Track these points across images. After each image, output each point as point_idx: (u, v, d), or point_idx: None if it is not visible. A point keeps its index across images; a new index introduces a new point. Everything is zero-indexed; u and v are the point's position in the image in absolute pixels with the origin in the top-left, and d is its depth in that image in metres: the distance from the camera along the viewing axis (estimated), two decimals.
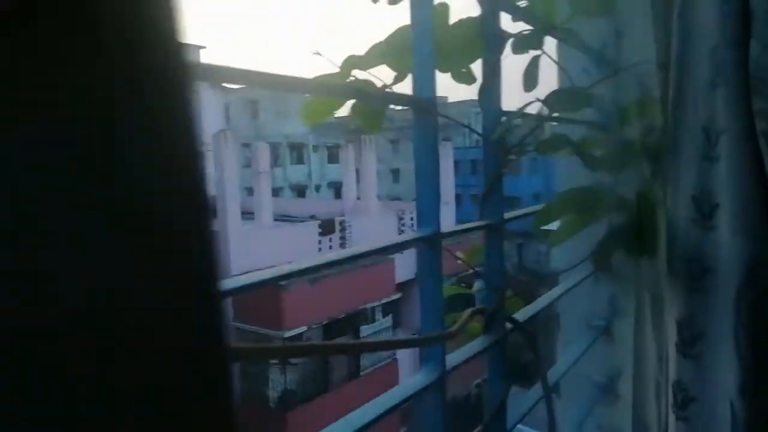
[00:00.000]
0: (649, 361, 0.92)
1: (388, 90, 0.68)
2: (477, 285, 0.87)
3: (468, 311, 0.73)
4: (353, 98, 0.69)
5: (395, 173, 30.01)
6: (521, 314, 0.80)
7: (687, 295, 0.63)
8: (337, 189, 25.77)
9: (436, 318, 0.59)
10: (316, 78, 0.65)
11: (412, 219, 13.11)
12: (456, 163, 15.52)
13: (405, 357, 12.14)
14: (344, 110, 0.77)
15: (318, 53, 0.67)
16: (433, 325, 0.59)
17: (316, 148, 28.04)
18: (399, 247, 0.63)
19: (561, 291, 0.94)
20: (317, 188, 27.78)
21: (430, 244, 0.58)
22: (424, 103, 0.58)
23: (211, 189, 13.13)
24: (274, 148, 21.95)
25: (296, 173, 26.96)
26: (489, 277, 0.72)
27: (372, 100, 0.71)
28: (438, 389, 0.59)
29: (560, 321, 1.26)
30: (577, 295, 1.18)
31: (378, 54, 0.71)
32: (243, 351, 0.52)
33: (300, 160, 27.50)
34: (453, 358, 0.64)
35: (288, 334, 9.67)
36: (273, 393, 9.76)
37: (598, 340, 1.14)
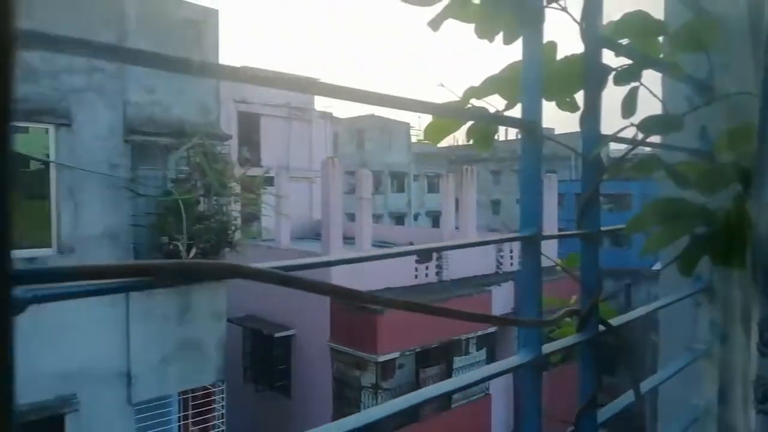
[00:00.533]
0: (747, 385, 0.95)
1: (500, 114, 0.81)
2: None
3: (564, 309, 0.82)
4: (473, 120, 0.82)
5: (495, 204, 29.67)
6: (615, 320, 0.88)
7: (766, 299, 0.68)
8: (435, 218, 25.97)
9: (534, 307, 0.70)
10: (443, 103, 0.79)
11: (512, 253, 12.89)
12: (561, 196, 15.17)
13: (498, 393, 11.85)
14: (458, 134, 0.90)
15: (442, 85, 0.81)
16: (530, 314, 0.70)
17: (416, 177, 28.49)
18: (505, 241, 0.74)
19: (658, 305, 0.99)
20: (416, 216, 28.11)
21: (531, 242, 0.69)
22: (531, 124, 0.70)
23: (318, 213, 13.68)
24: (377, 176, 22.69)
25: (396, 201, 27.51)
26: (584, 282, 0.81)
27: (487, 121, 0.83)
28: (535, 369, 0.69)
29: (660, 342, 1.29)
30: (677, 317, 1.21)
31: (492, 85, 0.84)
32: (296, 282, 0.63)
33: (400, 189, 28.06)
34: (548, 347, 0.73)
35: (381, 358, 9.83)
36: None
37: (696, 363, 1.17)
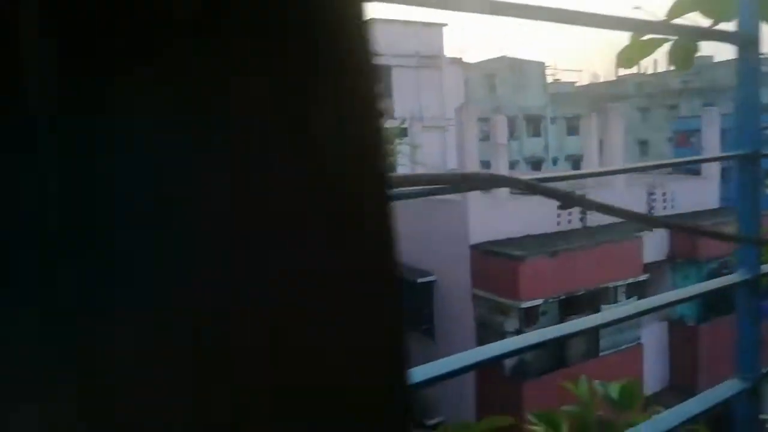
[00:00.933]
0: None
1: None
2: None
3: None
4: (681, 35, 0.80)
5: (643, 144, 27.42)
6: None
7: None
8: (575, 162, 24.64)
9: (753, 226, 0.69)
10: (649, 20, 0.78)
11: (664, 195, 11.89)
12: (723, 132, 13.61)
13: (652, 344, 11.29)
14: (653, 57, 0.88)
15: (638, 8, 0.80)
16: (749, 232, 0.69)
17: (553, 119, 27.12)
18: (718, 159, 0.73)
19: None
20: (554, 161, 26.92)
21: (749, 161, 0.67)
22: (749, 37, 0.67)
23: (453, 162, 13.68)
24: (511, 120, 21.91)
25: (533, 146, 26.50)
26: None
27: (697, 37, 0.81)
28: (751, 287, 0.69)
29: None
30: None
31: (694, 2, 0.81)
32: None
33: (536, 133, 26.92)
34: (765, 267, 0.72)
35: (524, 305, 9.77)
36: (509, 361, 10.01)
37: None
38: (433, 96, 18.48)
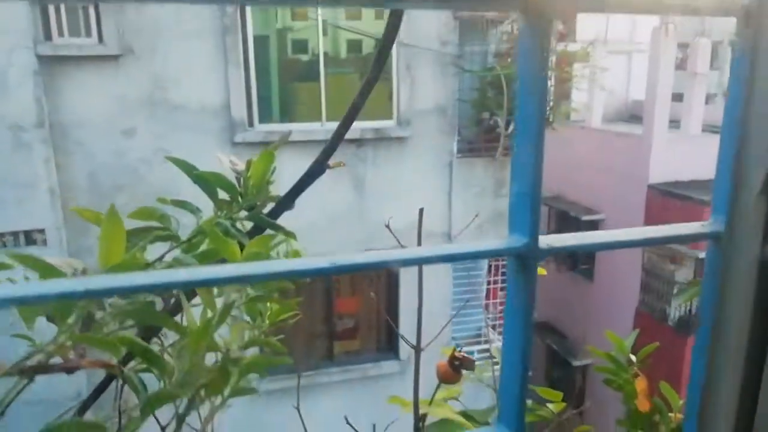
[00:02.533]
0: None
1: None
2: None
3: None
4: None
5: None
6: None
7: None
8: None
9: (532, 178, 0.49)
10: None
11: None
12: None
13: None
14: None
15: None
16: (525, 184, 0.49)
17: None
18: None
19: None
20: None
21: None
22: None
23: (636, 91, 12.37)
24: (714, 47, 19.03)
25: None
26: None
27: None
28: (523, 262, 0.50)
29: None
30: None
31: None
32: None
33: None
34: None
35: (702, 254, 8.89)
36: (675, 313, 9.32)
37: None
38: (622, 16, 16.62)
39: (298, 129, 6.09)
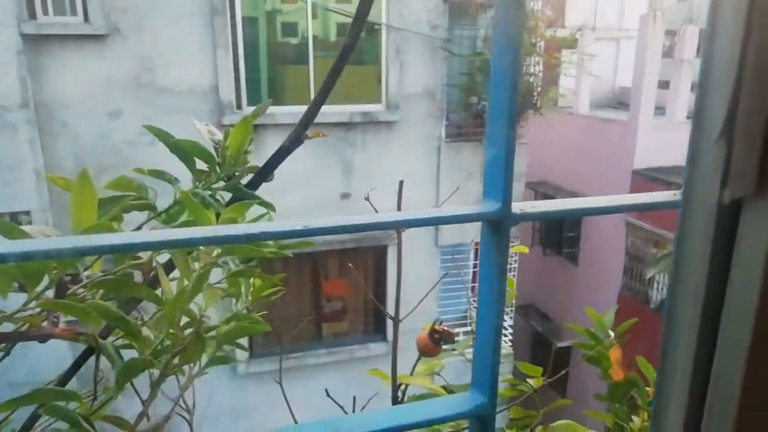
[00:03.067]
0: None
1: None
2: None
3: None
4: None
5: None
6: None
7: None
8: None
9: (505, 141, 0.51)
10: None
11: None
12: None
13: None
14: None
15: None
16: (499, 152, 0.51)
17: None
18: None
19: None
20: None
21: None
22: None
23: (623, 78, 12.42)
24: (702, 34, 19.07)
25: None
26: None
27: None
28: (495, 230, 0.53)
29: None
30: None
31: None
32: None
33: None
34: None
35: None
36: (657, 296, 9.49)
37: None
38: (611, 2, 16.64)
39: (287, 112, 6.08)
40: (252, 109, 5.45)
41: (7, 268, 0.71)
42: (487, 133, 0.50)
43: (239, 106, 6.09)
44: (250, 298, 1.06)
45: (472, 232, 7.51)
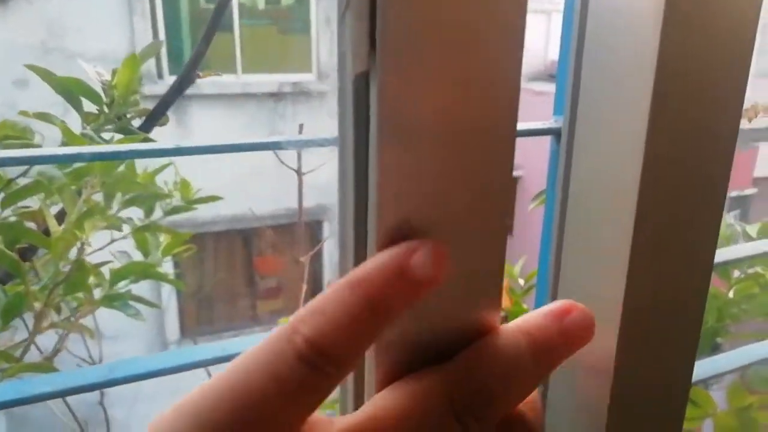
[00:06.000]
0: None
1: None
2: None
3: None
4: None
5: None
6: None
7: None
8: None
9: None
10: None
11: None
12: None
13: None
14: None
15: None
16: None
17: None
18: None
19: None
20: None
21: None
22: None
23: (555, 52, 12.88)
24: None
25: None
26: None
27: None
28: None
29: None
30: None
31: None
32: None
33: None
34: None
35: None
36: None
37: None
38: None
39: (213, 81, 5.83)
40: (174, 78, 5.20)
41: None
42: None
43: (160, 76, 5.78)
44: (160, 254, 1.02)
45: None
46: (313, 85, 6.41)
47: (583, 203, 0.39)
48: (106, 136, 0.96)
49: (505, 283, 1.23)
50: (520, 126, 0.54)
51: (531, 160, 11.01)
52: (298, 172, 1.54)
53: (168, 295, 6.00)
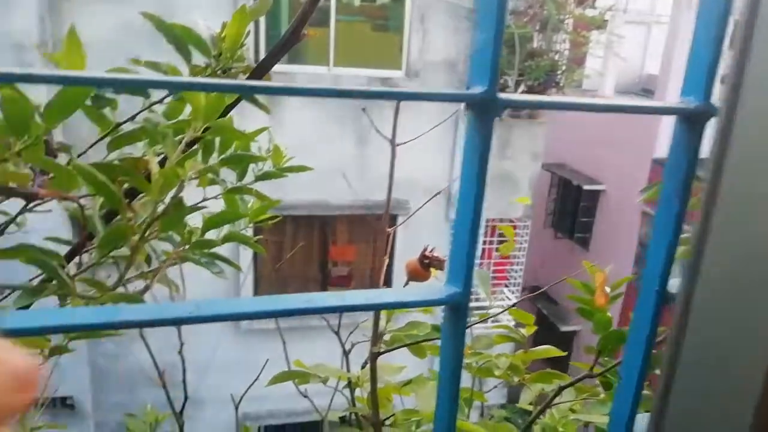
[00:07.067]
0: None
1: None
2: None
3: None
4: None
5: None
6: None
7: None
8: None
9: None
10: None
11: None
12: None
13: None
14: None
15: None
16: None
17: None
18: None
19: None
20: None
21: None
22: None
23: (653, 65, 12.13)
24: (737, 24, 18.42)
25: None
26: None
27: None
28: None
29: None
30: None
31: None
32: None
33: None
34: None
35: None
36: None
37: None
38: None
39: (306, 72, 6.03)
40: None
41: None
42: (476, 19, 0.48)
43: (257, 61, 6.05)
44: (247, 219, 1.07)
45: (488, 208, 7.47)
46: (401, 82, 6.50)
47: (738, 192, 0.39)
48: None
49: (601, 280, 1.23)
50: (649, 102, 0.54)
51: (611, 175, 10.54)
52: (392, 165, 1.56)
53: (244, 273, 6.28)
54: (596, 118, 11.05)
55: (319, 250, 7.08)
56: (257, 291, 6.78)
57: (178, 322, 0.41)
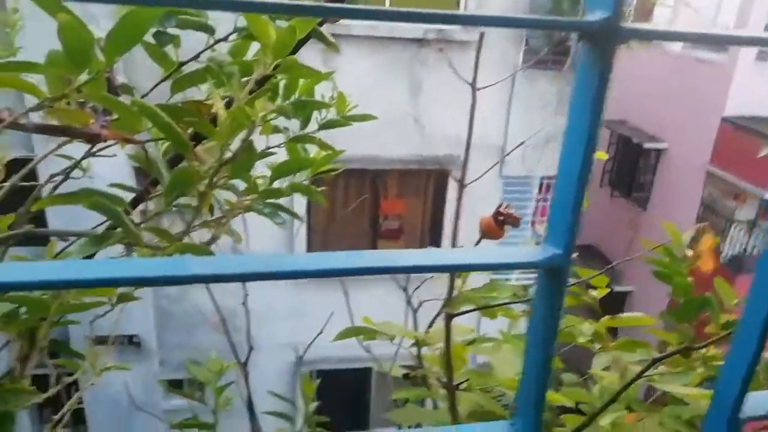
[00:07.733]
0: None
1: None
2: None
3: None
4: None
5: None
6: None
7: None
8: None
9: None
10: None
11: None
12: None
13: None
14: None
15: None
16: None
17: None
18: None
19: None
20: None
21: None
22: None
23: (734, 16, 11.38)
24: None
25: None
26: None
27: None
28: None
29: None
30: None
31: None
32: None
33: None
34: None
35: None
36: (729, 251, 9.02)
37: None
38: None
39: (362, 23, 5.92)
40: None
41: (57, 57, 0.68)
42: None
43: None
44: (309, 170, 1.05)
45: (542, 165, 7.28)
46: (456, 35, 6.29)
47: None
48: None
49: (709, 243, 1.16)
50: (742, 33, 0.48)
51: (675, 133, 10.02)
52: (472, 109, 1.51)
53: (297, 228, 6.38)
54: (662, 73, 10.45)
55: (370, 204, 7.10)
56: (310, 242, 6.91)
57: (252, 277, 0.39)
